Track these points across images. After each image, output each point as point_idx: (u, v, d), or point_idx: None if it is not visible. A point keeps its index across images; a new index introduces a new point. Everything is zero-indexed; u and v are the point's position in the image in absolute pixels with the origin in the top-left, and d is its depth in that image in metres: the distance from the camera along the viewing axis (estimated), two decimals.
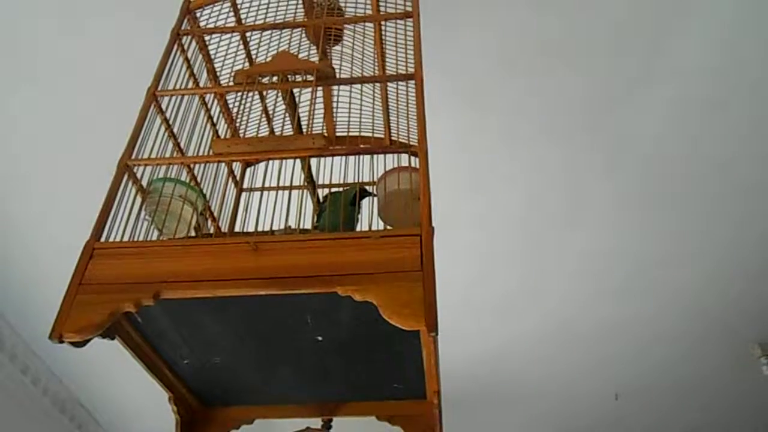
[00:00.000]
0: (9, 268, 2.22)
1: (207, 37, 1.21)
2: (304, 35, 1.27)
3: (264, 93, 1.28)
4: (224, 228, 1.25)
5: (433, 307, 0.74)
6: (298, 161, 1.18)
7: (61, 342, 0.78)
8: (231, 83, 1.14)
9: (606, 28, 1.69)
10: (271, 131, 1.33)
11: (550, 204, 2.13)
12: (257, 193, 1.29)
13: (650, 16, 1.66)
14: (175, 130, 1.10)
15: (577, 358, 2.79)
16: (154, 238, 1.00)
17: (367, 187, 1.16)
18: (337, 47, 1.33)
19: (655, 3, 1.63)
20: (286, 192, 1.06)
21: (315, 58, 1.22)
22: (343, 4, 1.30)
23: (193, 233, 1.08)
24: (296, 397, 1.20)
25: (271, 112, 1.36)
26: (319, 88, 1.20)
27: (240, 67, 1.20)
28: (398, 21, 1.18)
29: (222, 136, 1.28)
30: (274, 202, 1.05)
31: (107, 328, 0.80)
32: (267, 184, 1.18)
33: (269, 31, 1.21)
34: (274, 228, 0.99)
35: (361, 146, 1.29)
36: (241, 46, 1.24)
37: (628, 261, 2.33)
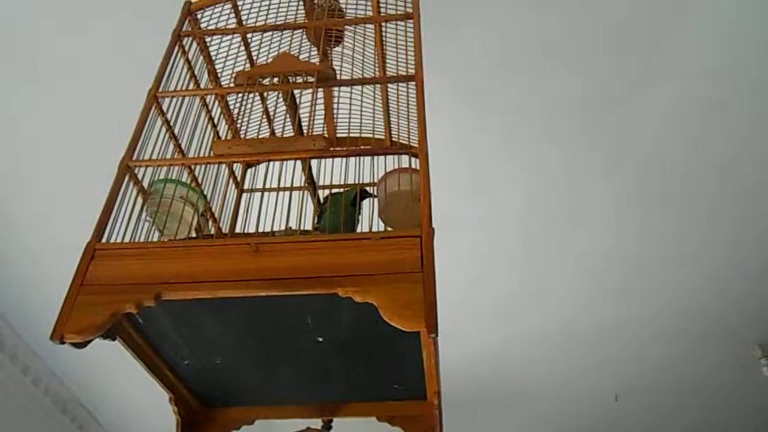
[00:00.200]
0: (9, 268, 2.22)
1: (208, 39, 1.21)
2: (304, 36, 1.27)
3: (265, 94, 1.28)
4: (225, 229, 1.26)
5: (433, 308, 0.74)
6: (298, 162, 1.18)
7: (63, 343, 0.78)
8: (232, 84, 1.14)
9: (606, 28, 1.69)
10: (272, 132, 1.34)
11: (551, 204, 2.13)
12: (258, 195, 1.30)
13: (650, 16, 1.66)
14: (176, 132, 1.11)
15: (577, 359, 2.80)
16: (155, 239, 1.00)
17: (367, 188, 1.16)
18: (338, 48, 1.33)
19: (655, 3, 1.64)
20: (287, 193, 1.07)
21: (316, 60, 1.22)
22: (343, 6, 1.30)
23: (194, 234, 1.08)
24: (297, 398, 1.20)
25: (271, 114, 1.36)
26: (320, 89, 1.20)
27: (241, 68, 1.20)
28: (399, 22, 1.18)
29: (223, 138, 1.28)
30: (275, 204, 1.05)
31: (108, 329, 0.81)
32: (268, 185, 1.18)
33: (270, 33, 1.21)
34: (275, 229, 0.99)
35: (362, 147, 1.29)
36: (242, 48, 1.24)
37: (629, 261, 2.33)
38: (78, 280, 0.82)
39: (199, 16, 1.22)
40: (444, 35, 1.66)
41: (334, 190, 1.26)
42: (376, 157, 1.10)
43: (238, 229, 1.26)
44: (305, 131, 1.30)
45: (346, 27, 1.28)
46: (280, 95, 1.29)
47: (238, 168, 1.37)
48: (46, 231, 2.11)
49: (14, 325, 2.40)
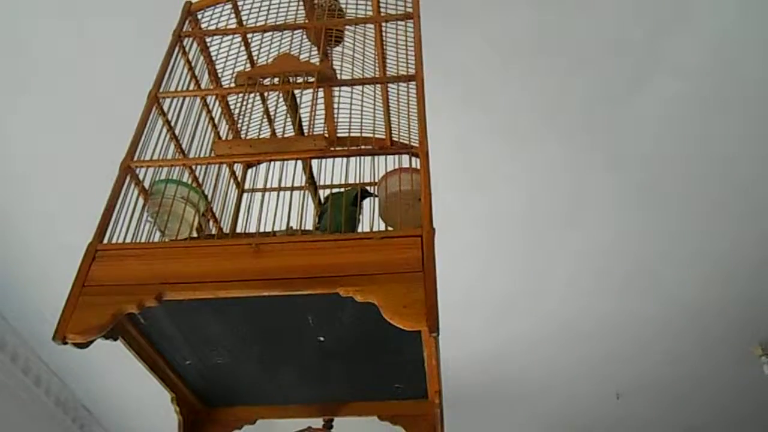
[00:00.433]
0: (9, 269, 2.22)
1: (208, 39, 1.21)
2: (305, 37, 1.27)
3: (265, 94, 1.28)
4: (226, 229, 1.26)
5: (434, 307, 0.74)
6: (299, 162, 1.18)
7: (65, 343, 0.78)
8: (232, 85, 1.14)
9: (606, 28, 1.69)
10: (273, 133, 1.34)
11: (551, 203, 2.14)
12: (259, 194, 1.30)
13: (650, 16, 1.66)
14: (176, 132, 1.11)
15: (577, 358, 2.80)
16: (157, 239, 1.00)
17: (368, 188, 1.16)
18: (338, 48, 1.33)
19: (655, 3, 1.64)
20: (288, 193, 1.07)
21: (316, 60, 1.22)
22: (343, 6, 1.30)
23: (195, 234, 1.08)
24: (298, 397, 1.20)
25: (272, 114, 1.36)
26: (320, 89, 1.20)
27: (241, 68, 1.21)
28: (399, 22, 1.18)
29: (223, 138, 1.28)
30: (276, 204, 1.05)
31: (110, 329, 0.81)
32: (268, 185, 1.18)
33: (270, 33, 1.21)
34: (276, 229, 0.99)
35: (362, 147, 1.30)
36: (243, 48, 1.24)
37: (629, 260, 2.33)
38: (80, 280, 0.83)
39: (199, 16, 1.22)
40: (444, 35, 1.66)
41: (334, 190, 1.26)
42: (376, 157, 1.10)
43: (239, 230, 1.26)
44: (306, 131, 1.30)
45: (347, 27, 1.28)
46: (281, 95, 1.29)
47: (238, 168, 1.37)
48: (47, 231, 2.11)
49: (15, 325, 2.40)
